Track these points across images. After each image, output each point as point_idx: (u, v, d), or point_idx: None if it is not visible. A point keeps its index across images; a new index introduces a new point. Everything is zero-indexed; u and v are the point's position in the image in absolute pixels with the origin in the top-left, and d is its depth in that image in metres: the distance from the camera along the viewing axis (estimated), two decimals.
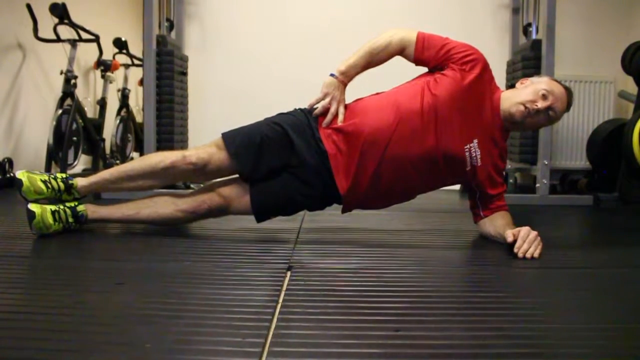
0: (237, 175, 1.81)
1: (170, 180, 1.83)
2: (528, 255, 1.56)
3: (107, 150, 4.22)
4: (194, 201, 1.78)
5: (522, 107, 1.74)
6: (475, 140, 1.74)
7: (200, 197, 1.79)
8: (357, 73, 1.80)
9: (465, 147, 1.73)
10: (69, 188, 1.79)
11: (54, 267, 1.43)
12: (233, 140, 1.77)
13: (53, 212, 1.72)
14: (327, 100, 1.77)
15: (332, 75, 1.79)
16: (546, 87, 1.75)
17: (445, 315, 1.11)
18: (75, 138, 3.57)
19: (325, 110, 1.77)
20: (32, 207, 1.69)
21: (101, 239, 1.80)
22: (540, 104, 1.73)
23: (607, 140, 3.31)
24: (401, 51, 1.78)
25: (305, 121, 1.79)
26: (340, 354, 0.88)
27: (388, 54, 1.78)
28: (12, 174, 3.19)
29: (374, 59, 1.78)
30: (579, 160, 3.65)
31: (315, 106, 1.79)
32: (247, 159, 1.74)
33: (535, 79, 1.84)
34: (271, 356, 0.86)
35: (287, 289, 1.23)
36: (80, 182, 1.82)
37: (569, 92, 1.80)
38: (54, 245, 1.69)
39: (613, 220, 2.63)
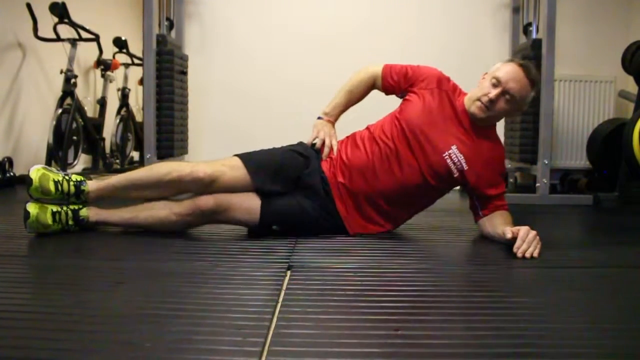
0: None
1: (176, 192, 1.81)
2: (527, 255, 1.56)
3: (107, 150, 4.21)
4: (190, 204, 1.75)
5: (478, 103, 1.79)
6: (454, 147, 1.80)
7: (197, 201, 1.75)
8: (342, 112, 1.97)
9: (444, 155, 1.79)
10: (79, 194, 1.79)
11: (54, 266, 1.43)
12: (250, 157, 1.81)
13: (54, 213, 1.72)
14: (321, 135, 1.90)
15: (319, 118, 1.95)
16: (495, 74, 1.77)
17: (445, 314, 1.11)
18: (75, 137, 3.57)
19: (323, 144, 1.89)
20: (29, 207, 1.69)
21: (101, 238, 1.80)
22: (492, 94, 1.75)
23: (607, 140, 3.31)
24: (373, 84, 1.95)
25: (312, 152, 1.88)
26: (340, 354, 0.88)
27: (365, 88, 1.95)
28: (12, 173, 3.19)
29: (353, 97, 1.96)
30: (579, 160, 3.65)
31: (313, 142, 1.91)
32: (266, 177, 1.77)
33: (493, 67, 1.83)
34: (271, 355, 0.86)
35: (287, 289, 1.23)
36: (91, 185, 1.81)
37: (525, 68, 1.77)
38: (54, 244, 1.69)
39: (613, 219, 2.63)
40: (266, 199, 1.77)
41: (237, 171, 1.77)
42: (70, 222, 1.76)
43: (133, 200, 1.84)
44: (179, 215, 1.74)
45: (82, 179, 1.82)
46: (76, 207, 1.79)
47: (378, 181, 1.80)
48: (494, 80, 1.76)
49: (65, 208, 1.76)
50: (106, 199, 1.89)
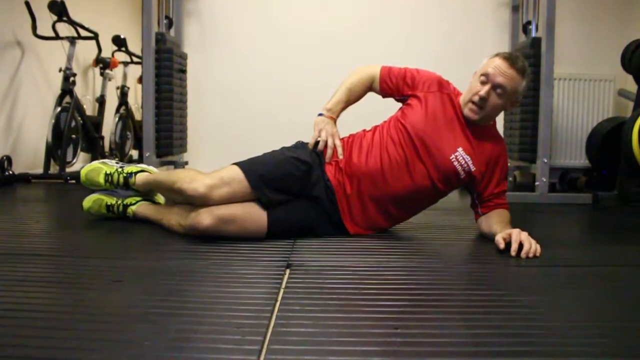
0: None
1: (184, 201, 1.76)
2: (530, 254, 1.55)
3: (106, 148, 4.21)
4: (190, 222, 1.67)
5: (470, 105, 1.78)
6: (460, 148, 1.78)
7: (197, 218, 1.65)
8: (342, 109, 1.91)
9: (451, 157, 1.78)
10: (128, 185, 1.95)
11: (53, 264, 1.43)
12: (251, 169, 1.72)
13: (108, 206, 1.96)
14: (324, 134, 1.85)
15: (320, 114, 1.89)
16: (483, 71, 1.75)
17: (444, 312, 1.11)
18: (74, 136, 3.57)
19: (326, 145, 1.84)
20: (84, 202, 1.97)
21: (99, 236, 1.80)
22: (483, 91, 1.74)
23: (607, 139, 3.31)
24: (371, 85, 1.92)
25: (315, 158, 1.83)
26: (339, 352, 0.88)
27: (363, 88, 1.91)
28: (11, 172, 3.19)
29: (352, 94, 1.91)
30: (578, 159, 3.65)
31: (316, 143, 1.85)
32: (268, 190, 1.71)
33: (480, 65, 1.80)
34: (270, 354, 0.86)
35: (286, 287, 1.23)
36: (138, 179, 1.93)
37: (511, 59, 1.74)
38: (52, 243, 1.69)
39: (612, 218, 2.63)
40: (271, 211, 1.71)
41: (238, 184, 1.69)
42: (121, 215, 1.96)
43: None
44: (184, 228, 1.71)
45: (134, 171, 1.95)
46: (129, 201, 1.95)
47: (388, 187, 1.78)
48: (482, 78, 1.75)
49: (119, 202, 1.95)
50: (153, 191, 2.01)
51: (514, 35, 3.83)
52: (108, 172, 1.96)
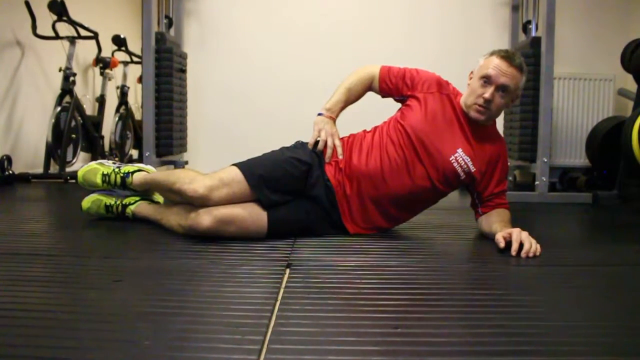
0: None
1: (183, 201, 1.76)
2: (531, 254, 1.55)
3: (106, 148, 4.22)
4: (190, 223, 1.67)
5: (475, 107, 1.77)
6: (460, 150, 1.79)
7: (196, 219, 1.66)
8: (342, 109, 1.91)
9: (450, 158, 1.78)
10: (125, 185, 1.95)
11: (52, 264, 1.43)
12: (251, 169, 1.72)
13: (107, 206, 1.96)
14: (323, 134, 1.85)
15: (319, 114, 1.89)
16: (483, 73, 1.75)
17: (444, 312, 1.11)
18: (74, 135, 3.57)
19: (325, 145, 1.84)
20: (83, 203, 1.97)
21: (99, 236, 1.80)
22: (487, 93, 1.73)
23: (606, 138, 3.31)
24: (370, 85, 1.92)
25: (315, 158, 1.83)
26: (339, 351, 0.88)
27: (362, 87, 1.92)
28: (10, 172, 3.19)
29: (352, 94, 1.91)
30: (578, 158, 3.66)
31: (315, 143, 1.85)
32: (268, 190, 1.71)
33: (477, 66, 1.80)
34: (270, 353, 0.86)
35: (286, 286, 1.23)
36: (135, 179, 1.94)
37: (508, 58, 1.73)
38: (52, 242, 1.69)
39: (612, 217, 2.63)
40: (271, 211, 1.71)
41: (237, 185, 1.68)
42: (120, 215, 1.96)
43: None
44: (184, 228, 1.71)
45: (131, 170, 1.95)
46: (128, 201, 1.96)
47: (387, 188, 1.78)
48: (484, 80, 1.74)
49: (118, 202, 1.96)
50: (150, 191, 2.01)
51: (513, 34, 3.83)
52: (105, 172, 1.96)
